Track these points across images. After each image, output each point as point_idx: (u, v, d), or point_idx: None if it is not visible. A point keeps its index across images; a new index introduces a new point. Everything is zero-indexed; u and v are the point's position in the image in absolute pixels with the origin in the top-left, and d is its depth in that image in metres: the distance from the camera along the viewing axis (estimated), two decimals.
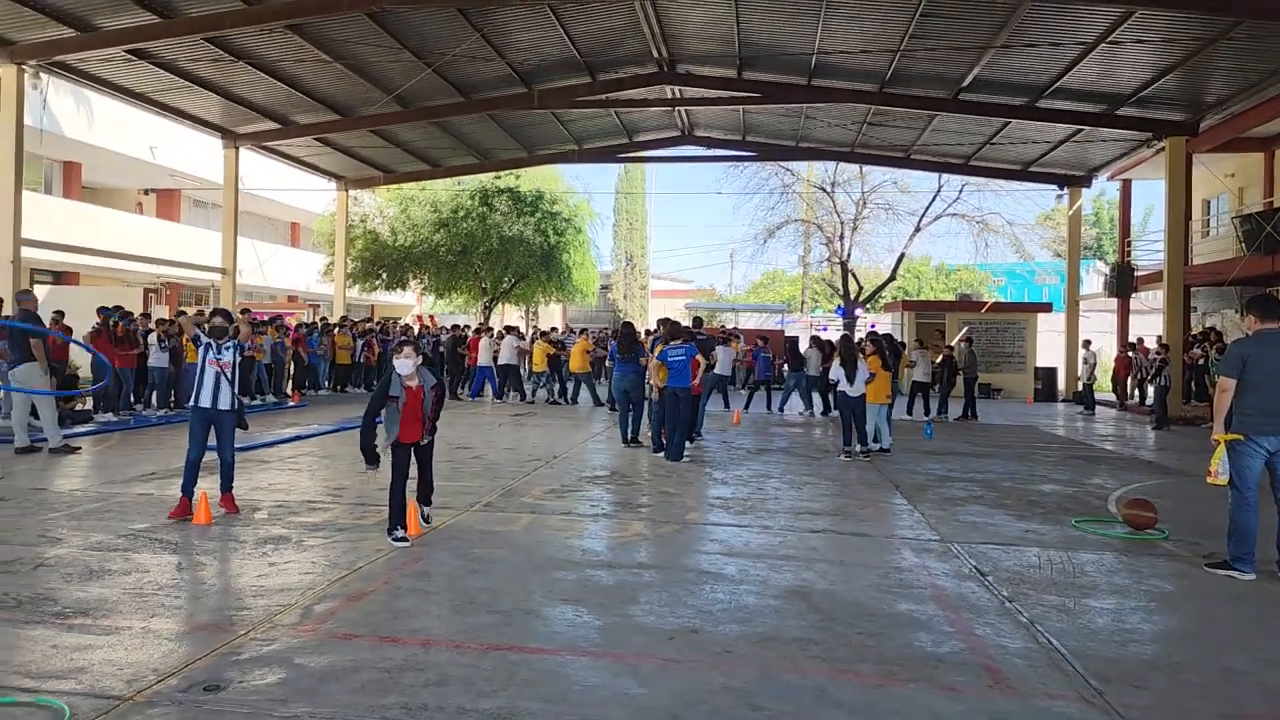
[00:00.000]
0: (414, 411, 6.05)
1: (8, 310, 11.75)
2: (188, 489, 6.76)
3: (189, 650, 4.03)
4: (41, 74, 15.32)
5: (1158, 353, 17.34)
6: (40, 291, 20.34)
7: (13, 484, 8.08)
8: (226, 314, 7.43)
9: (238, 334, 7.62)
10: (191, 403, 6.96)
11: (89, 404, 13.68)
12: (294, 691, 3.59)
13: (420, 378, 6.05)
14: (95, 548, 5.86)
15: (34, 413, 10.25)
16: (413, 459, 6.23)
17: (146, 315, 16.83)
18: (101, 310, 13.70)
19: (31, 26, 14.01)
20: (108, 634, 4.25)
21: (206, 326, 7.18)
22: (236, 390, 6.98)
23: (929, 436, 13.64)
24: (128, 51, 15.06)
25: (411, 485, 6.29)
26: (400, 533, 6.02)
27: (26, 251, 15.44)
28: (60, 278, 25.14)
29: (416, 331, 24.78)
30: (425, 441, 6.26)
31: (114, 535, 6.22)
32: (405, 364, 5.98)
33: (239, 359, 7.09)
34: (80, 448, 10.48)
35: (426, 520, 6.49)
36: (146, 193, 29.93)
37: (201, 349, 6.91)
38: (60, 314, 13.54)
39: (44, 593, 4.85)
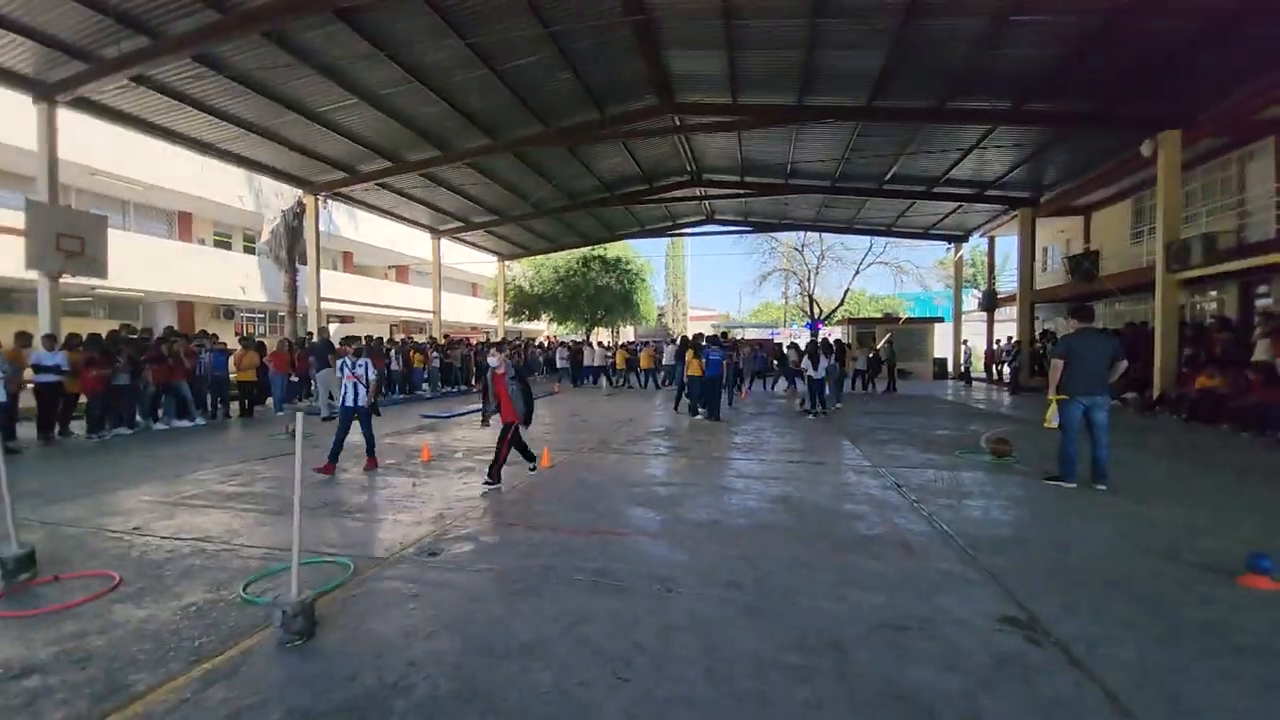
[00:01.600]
0: (501, 394, 5.47)
1: (316, 338, 12.38)
2: (334, 456, 6.12)
3: (419, 533, 4.23)
4: (328, 199, 16.04)
5: (1014, 346, 16.95)
6: (332, 327, 21.36)
7: (317, 440, 8.48)
8: (355, 340, 6.67)
9: (370, 355, 6.67)
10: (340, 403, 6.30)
11: None
12: (478, 556, 3.76)
13: (505, 367, 5.45)
14: (364, 474, 6.13)
15: (330, 397, 10.67)
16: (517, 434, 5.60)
17: (391, 340, 17.53)
18: (366, 338, 14.34)
19: (320, 172, 14.60)
20: (373, 523, 4.49)
21: (351, 349, 6.49)
22: (368, 393, 6.21)
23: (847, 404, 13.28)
24: (377, 184, 15.56)
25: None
26: (487, 479, 5.47)
27: (325, 305, 16.14)
28: (344, 319, 26.31)
29: (544, 345, 25.23)
30: (511, 423, 5.49)
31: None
32: (492, 359, 5.55)
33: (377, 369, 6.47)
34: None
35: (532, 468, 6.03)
36: (389, 268, 31.04)
37: (340, 365, 6.24)
38: (354, 338, 14.14)
39: (337, 500, 5.12)
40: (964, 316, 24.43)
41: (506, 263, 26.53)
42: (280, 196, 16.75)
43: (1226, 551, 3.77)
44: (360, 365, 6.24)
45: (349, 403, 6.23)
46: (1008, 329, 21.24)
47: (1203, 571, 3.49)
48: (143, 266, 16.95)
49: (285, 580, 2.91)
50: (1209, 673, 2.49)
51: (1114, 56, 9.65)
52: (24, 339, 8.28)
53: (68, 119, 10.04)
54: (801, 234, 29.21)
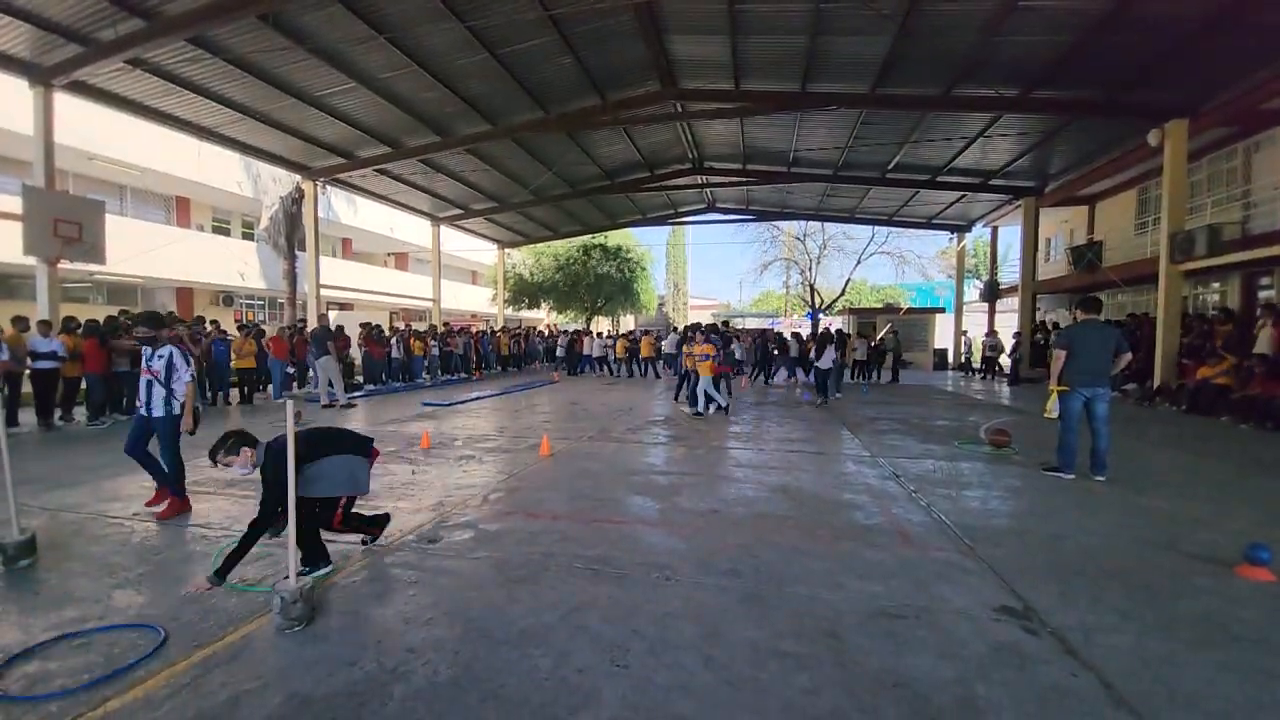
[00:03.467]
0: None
1: (313, 324, 12.31)
2: (169, 482, 4.28)
3: (418, 520, 4.24)
4: (326, 185, 15.91)
5: (996, 341, 17.62)
6: (332, 314, 21.31)
7: (316, 426, 8.48)
8: (155, 321, 4.28)
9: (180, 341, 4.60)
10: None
11: (361, 378, 14.24)
12: (477, 544, 3.76)
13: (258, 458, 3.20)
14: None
15: (330, 384, 10.64)
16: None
17: (392, 327, 17.50)
18: (363, 325, 14.30)
19: (318, 157, 14.48)
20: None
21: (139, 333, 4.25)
22: (170, 395, 4.14)
23: (865, 394, 13.29)
24: (376, 170, 15.42)
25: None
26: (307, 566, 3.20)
27: (324, 292, 16.03)
28: (343, 306, 26.25)
29: (546, 334, 25.17)
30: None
31: None
32: (240, 468, 3.15)
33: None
34: (356, 404, 10.90)
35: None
36: (389, 255, 30.91)
37: (145, 357, 4.17)
38: (340, 327, 14.15)
39: None
40: (965, 307, 24.39)
41: (506, 250, 26.41)
42: (278, 182, 16.63)
43: (1225, 543, 3.78)
44: (159, 358, 4.11)
45: (143, 410, 4.15)
46: (1009, 320, 21.26)
47: (1201, 562, 3.49)
48: (141, 252, 16.88)
49: (283, 566, 2.91)
50: (1206, 663, 2.50)
51: (1122, 44, 9.53)
52: (22, 324, 8.26)
53: (64, 103, 9.94)
54: (803, 223, 29.05)
